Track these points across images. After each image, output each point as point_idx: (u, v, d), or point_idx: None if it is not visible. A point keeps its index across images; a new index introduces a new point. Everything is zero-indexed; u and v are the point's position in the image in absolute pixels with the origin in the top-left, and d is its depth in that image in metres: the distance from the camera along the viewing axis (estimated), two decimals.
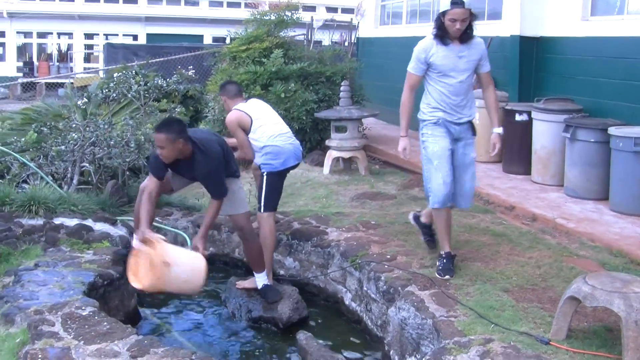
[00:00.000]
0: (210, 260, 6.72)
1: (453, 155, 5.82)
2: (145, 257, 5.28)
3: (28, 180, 8.17)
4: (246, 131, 6.64)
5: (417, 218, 6.50)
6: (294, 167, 6.86)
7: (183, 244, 7.39)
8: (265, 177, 6.59)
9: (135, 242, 5.62)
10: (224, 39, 22.82)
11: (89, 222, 7.00)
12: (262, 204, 6.53)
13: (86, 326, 4.77)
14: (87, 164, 8.34)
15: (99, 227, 7.00)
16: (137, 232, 5.63)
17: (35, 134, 8.85)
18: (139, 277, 5.28)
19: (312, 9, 35.39)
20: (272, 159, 6.57)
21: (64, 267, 5.92)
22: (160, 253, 5.25)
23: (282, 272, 7.29)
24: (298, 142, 6.96)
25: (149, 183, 5.87)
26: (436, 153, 5.77)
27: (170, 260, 5.26)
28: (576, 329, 4.59)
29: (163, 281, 5.26)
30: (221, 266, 7.72)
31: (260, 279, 6.31)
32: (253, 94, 11.00)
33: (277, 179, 6.66)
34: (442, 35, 5.68)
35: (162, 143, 5.55)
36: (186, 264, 5.45)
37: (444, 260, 5.79)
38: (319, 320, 6.49)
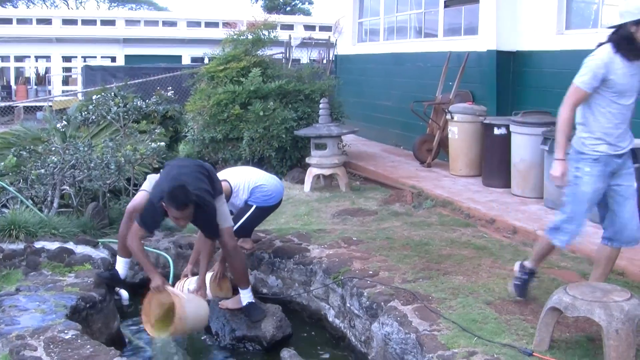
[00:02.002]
0: None
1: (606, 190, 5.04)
2: (157, 301, 5.73)
3: (8, 204, 8.12)
4: (227, 197, 6.65)
5: (523, 267, 5.45)
6: (279, 204, 7.15)
7: (165, 265, 7.38)
8: (253, 209, 6.78)
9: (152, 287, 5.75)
10: (202, 59, 22.84)
11: (70, 245, 6.97)
12: (235, 228, 6.57)
13: (69, 350, 4.74)
14: (67, 187, 8.31)
15: (81, 249, 6.98)
16: (153, 280, 5.72)
17: (15, 158, 8.81)
18: (151, 323, 5.69)
19: (290, 27, 35.56)
20: (266, 195, 6.84)
21: (46, 291, 5.88)
22: (179, 308, 5.56)
23: (264, 290, 7.28)
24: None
25: (138, 232, 5.79)
26: (587, 195, 4.97)
27: (186, 315, 5.61)
28: (558, 340, 4.62)
29: (175, 331, 5.66)
30: None
31: (246, 296, 6.28)
32: (232, 113, 11.03)
33: (264, 212, 6.96)
34: (630, 49, 4.78)
35: (188, 215, 5.62)
36: (195, 314, 5.77)
37: None
38: (303, 338, 6.48)
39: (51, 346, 4.78)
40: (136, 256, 5.94)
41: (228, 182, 6.70)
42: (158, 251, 7.54)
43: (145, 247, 7.43)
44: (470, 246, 7.03)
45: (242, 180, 6.77)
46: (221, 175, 6.82)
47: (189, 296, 5.90)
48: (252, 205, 6.75)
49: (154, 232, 5.87)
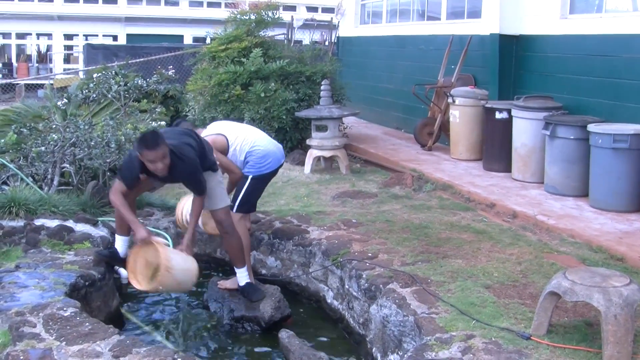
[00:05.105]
0: None
1: None
2: (143, 258, 5.62)
3: (8, 181, 8.12)
4: (225, 151, 6.53)
5: None
6: (277, 170, 6.83)
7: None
8: (249, 180, 6.52)
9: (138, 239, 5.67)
10: (204, 39, 22.75)
11: (69, 223, 6.97)
12: (237, 204, 6.49)
13: (68, 327, 4.75)
14: (68, 165, 8.30)
15: (80, 228, 6.97)
16: (137, 232, 5.63)
17: (15, 135, 8.78)
18: (138, 278, 5.61)
19: (293, 8, 35.36)
20: (259, 161, 6.52)
21: (45, 269, 5.89)
22: (164, 259, 5.46)
23: (263, 271, 7.29)
24: (279, 144, 6.97)
25: (118, 187, 5.72)
26: None
27: (172, 266, 5.49)
28: (557, 324, 4.63)
29: (162, 284, 5.52)
30: (203, 266, 7.67)
31: (242, 275, 6.26)
32: (233, 93, 11.01)
33: (261, 182, 6.67)
34: None
35: (162, 156, 5.43)
36: (182, 268, 5.65)
37: None
38: (301, 319, 6.49)
39: (50, 323, 4.80)
40: (119, 210, 5.84)
41: (225, 136, 6.54)
42: (157, 230, 7.54)
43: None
44: (470, 230, 7.03)
45: (240, 138, 6.55)
46: (218, 127, 6.75)
47: (175, 250, 5.86)
48: (247, 176, 6.55)
49: (132, 187, 5.76)
